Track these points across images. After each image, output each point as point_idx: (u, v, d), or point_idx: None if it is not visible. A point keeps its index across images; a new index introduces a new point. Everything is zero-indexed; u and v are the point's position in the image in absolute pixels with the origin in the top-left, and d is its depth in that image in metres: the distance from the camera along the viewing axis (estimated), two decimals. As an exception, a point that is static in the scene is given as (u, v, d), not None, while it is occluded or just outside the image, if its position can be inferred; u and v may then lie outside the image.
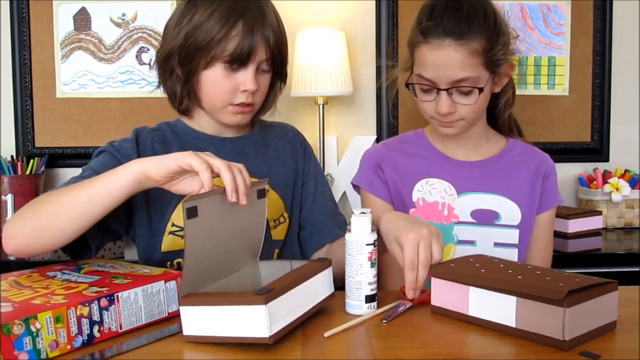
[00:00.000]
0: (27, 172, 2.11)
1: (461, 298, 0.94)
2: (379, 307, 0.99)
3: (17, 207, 2.04)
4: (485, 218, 1.29)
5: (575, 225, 2.04)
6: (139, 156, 1.19)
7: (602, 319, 0.88)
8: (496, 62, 1.22)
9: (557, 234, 2.01)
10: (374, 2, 2.28)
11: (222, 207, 0.95)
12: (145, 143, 1.23)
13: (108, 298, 0.87)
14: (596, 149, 2.37)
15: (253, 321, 0.82)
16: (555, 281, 0.86)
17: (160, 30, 2.20)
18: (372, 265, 0.98)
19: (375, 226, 1.00)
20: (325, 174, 2.15)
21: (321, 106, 2.15)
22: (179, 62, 1.20)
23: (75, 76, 2.25)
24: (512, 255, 1.28)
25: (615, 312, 0.90)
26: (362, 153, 1.41)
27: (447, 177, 1.31)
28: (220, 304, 0.84)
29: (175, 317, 0.96)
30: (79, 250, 1.11)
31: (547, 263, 1.36)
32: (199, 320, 0.86)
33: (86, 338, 0.84)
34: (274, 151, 1.32)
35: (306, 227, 1.32)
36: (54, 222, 1.00)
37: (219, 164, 0.95)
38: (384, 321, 0.94)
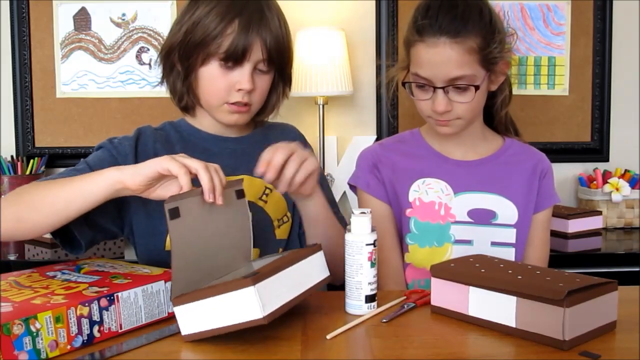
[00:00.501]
0: (27, 172, 2.11)
1: (461, 298, 0.94)
2: (378, 307, 0.99)
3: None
4: (482, 217, 1.29)
5: (575, 225, 2.04)
6: (136, 156, 1.21)
7: (602, 319, 0.88)
8: (492, 60, 1.22)
9: (557, 234, 2.02)
10: (374, 2, 2.28)
11: (203, 207, 0.96)
12: (146, 143, 1.23)
13: (108, 298, 0.87)
14: (596, 149, 2.37)
15: (245, 305, 0.82)
16: (555, 281, 0.86)
17: (160, 30, 2.22)
18: (372, 265, 0.98)
19: (373, 225, 1.00)
20: (325, 174, 2.16)
21: (321, 106, 2.15)
22: (179, 58, 1.21)
23: (75, 76, 2.25)
24: (509, 254, 1.28)
25: (615, 312, 0.90)
26: (359, 153, 1.41)
27: (443, 177, 1.31)
28: (211, 295, 0.85)
29: (175, 317, 0.96)
30: (70, 241, 1.12)
31: (544, 263, 1.36)
32: (194, 317, 0.86)
33: (86, 338, 0.84)
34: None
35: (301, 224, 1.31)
36: (31, 214, 1.02)
37: (195, 165, 0.96)
38: (384, 321, 0.94)
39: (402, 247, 1.32)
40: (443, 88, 1.21)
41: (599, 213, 2.11)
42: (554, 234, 2.02)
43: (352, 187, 1.39)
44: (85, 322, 0.84)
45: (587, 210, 2.13)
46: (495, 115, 1.36)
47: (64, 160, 2.23)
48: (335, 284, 1.11)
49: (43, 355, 0.79)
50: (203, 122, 1.28)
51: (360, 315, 0.96)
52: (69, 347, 0.82)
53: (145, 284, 0.92)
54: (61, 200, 1.01)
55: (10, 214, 1.03)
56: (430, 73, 1.21)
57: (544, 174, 1.34)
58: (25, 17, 2.21)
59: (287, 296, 0.89)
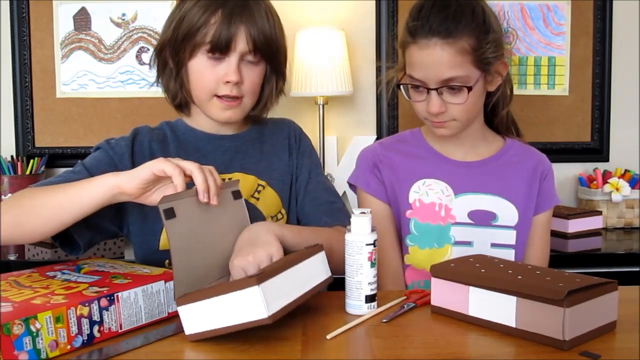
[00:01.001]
0: (27, 172, 2.11)
1: (461, 298, 0.94)
2: (378, 307, 0.99)
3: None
4: (482, 219, 1.29)
5: (575, 225, 2.04)
6: (132, 155, 1.22)
7: (602, 319, 0.88)
8: (486, 60, 1.21)
9: (557, 234, 2.02)
10: (374, 2, 2.28)
11: (200, 208, 0.97)
12: (142, 142, 1.24)
13: (108, 298, 0.87)
14: (596, 149, 2.37)
15: (250, 304, 0.83)
16: (555, 281, 0.86)
17: (160, 30, 2.22)
18: (372, 265, 0.98)
19: (373, 225, 1.00)
20: (325, 173, 2.15)
21: (321, 106, 2.15)
22: (170, 55, 1.23)
23: (75, 76, 2.25)
24: (509, 256, 1.28)
25: (615, 312, 0.90)
26: (359, 152, 1.41)
27: (444, 178, 1.31)
28: (215, 294, 0.84)
29: (175, 317, 0.96)
30: (69, 242, 1.13)
31: (544, 263, 1.35)
32: (199, 317, 0.86)
33: (86, 338, 0.84)
34: (270, 147, 1.32)
35: (300, 219, 1.31)
36: (31, 219, 1.03)
37: (190, 166, 0.98)
38: (384, 321, 0.94)
39: (402, 249, 1.31)
40: (436, 89, 1.20)
41: (599, 213, 2.11)
42: (554, 234, 2.02)
43: (352, 187, 1.38)
44: (85, 322, 0.84)
45: (587, 210, 2.13)
46: (496, 115, 1.35)
47: (64, 160, 2.23)
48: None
49: (43, 355, 0.79)
50: (199, 121, 1.29)
51: (360, 315, 0.96)
52: (69, 347, 0.82)
53: (145, 284, 0.92)
54: (59, 206, 1.02)
55: (9, 219, 1.04)
56: (423, 74, 1.21)
57: (545, 175, 1.34)
58: (25, 17, 2.21)
59: (290, 296, 0.89)
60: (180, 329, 0.90)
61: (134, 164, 1.20)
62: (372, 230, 0.98)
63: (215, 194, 0.97)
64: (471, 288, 0.93)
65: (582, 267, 1.80)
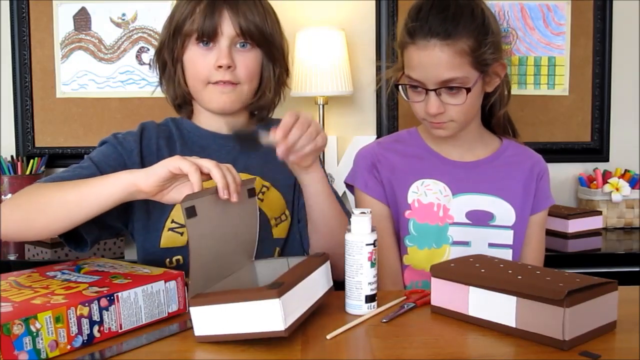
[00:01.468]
0: (27, 172, 2.11)
1: (461, 298, 0.94)
2: (378, 307, 0.99)
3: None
4: (480, 219, 1.29)
5: (575, 225, 2.04)
6: (141, 151, 1.21)
7: (602, 319, 0.88)
8: (484, 61, 1.21)
9: (557, 234, 2.02)
10: (374, 2, 2.28)
11: (217, 206, 0.96)
12: (150, 137, 1.24)
13: (108, 298, 0.87)
14: (596, 149, 2.37)
15: (267, 316, 0.82)
16: (555, 281, 0.86)
17: (160, 30, 2.22)
18: (372, 265, 0.98)
19: (373, 225, 1.00)
20: (327, 174, 2.15)
21: (321, 106, 2.15)
22: (168, 54, 1.24)
23: (75, 76, 2.25)
24: (506, 255, 1.28)
25: (615, 312, 0.90)
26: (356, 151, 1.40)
27: (442, 178, 1.30)
28: (233, 301, 0.84)
29: (175, 317, 0.96)
30: (75, 238, 1.13)
31: (540, 263, 1.36)
32: (211, 320, 0.85)
33: (86, 338, 0.84)
34: (265, 158, 1.31)
35: (301, 219, 1.31)
36: (42, 216, 1.03)
37: (207, 164, 0.97)
38: (384, 321, 0.94)
39: (401, 249, 1.31)
40: (435, 90, 1.20)
41: (599, 213, 2.11)
42: (554, 234, 2.02)
43: (349, 187, 1.38)
44: (85, 322, 0.84)
45: (587, 210, 2.13)
46: (493, 115, 1.35)
47: (64, 160, 2.23)
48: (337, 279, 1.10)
49: (43, 355, 0.79)
50: (202, 120, 1.29)
51: (360, 315, 0.96)
52: (69, 347, 0.82)
53: (145, 284, 0.92)
54: (74, 204, 1.02)
55: (20, 215, 1.04)
56: (421, 75, 1.21)
57: (541, 176, 1.34)
58: (25, 17, 2.21)
59: (302, 308, 0.89)
60: (180, 329, 0.90)
61: (142, 160, 1.21)
62: (372, 230, 0.98)
63: (235, 191, 0.97)
64: (471, 288, 0.93)
65: (582, 267, 1.80)
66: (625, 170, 2.24)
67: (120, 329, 0.89)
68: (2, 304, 0.82)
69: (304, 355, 0.82)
